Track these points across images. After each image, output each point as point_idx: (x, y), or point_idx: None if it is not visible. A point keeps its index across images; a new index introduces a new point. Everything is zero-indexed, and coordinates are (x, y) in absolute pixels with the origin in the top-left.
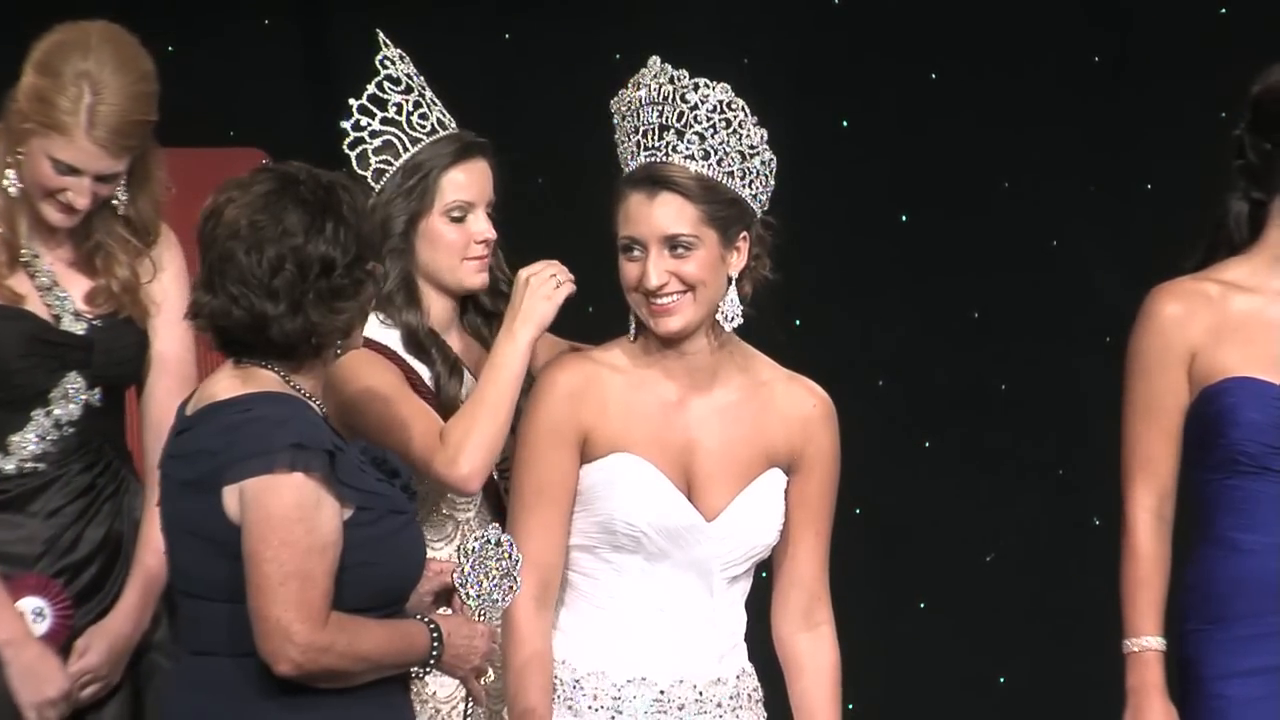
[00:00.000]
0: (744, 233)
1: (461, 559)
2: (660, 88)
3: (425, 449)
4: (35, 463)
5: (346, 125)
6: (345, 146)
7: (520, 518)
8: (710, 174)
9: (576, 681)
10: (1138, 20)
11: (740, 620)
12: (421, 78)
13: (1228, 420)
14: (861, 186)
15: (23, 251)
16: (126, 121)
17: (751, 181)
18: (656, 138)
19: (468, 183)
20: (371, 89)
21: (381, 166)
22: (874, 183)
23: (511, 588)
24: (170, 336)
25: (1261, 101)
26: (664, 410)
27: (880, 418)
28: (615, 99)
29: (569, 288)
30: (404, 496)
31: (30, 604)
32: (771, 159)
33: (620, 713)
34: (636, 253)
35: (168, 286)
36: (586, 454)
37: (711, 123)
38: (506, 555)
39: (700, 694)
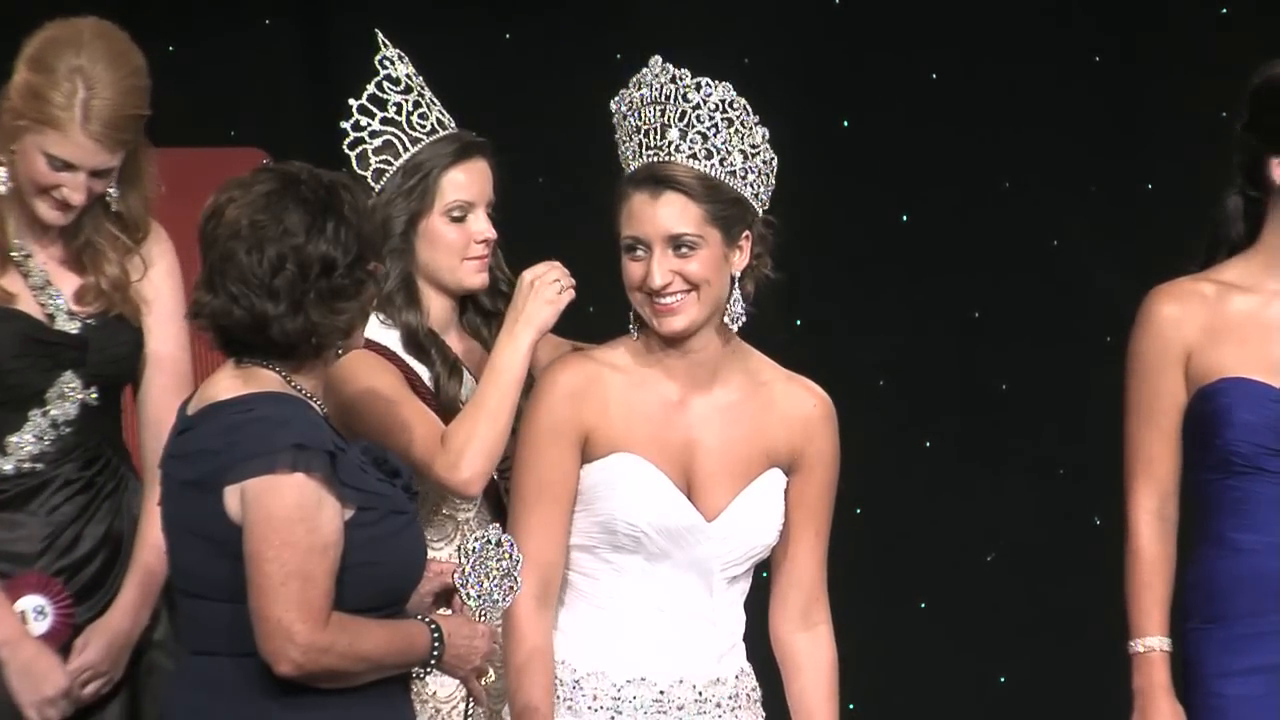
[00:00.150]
0: (746, 232)
1: (462, 559)
2: (662, 87)
3: (426, 452)
4: (33, 463)
5: (346, 125)
6: (345, 146)
7: (521, 516)
8: (713, 173)
9: (576, 682)
10: (1138, 20)
11: (739, 620)
12: (421, 78)
13: (1222, 421)
14: (861, 186)
15: (14, 250)
16: (120, 115)
17: (753, 181)
18: (659, 137)
19: (468, 182)
20: (371, 89)
21: (381, 166)
22: (874, 183)
23: (512, 588)
24: (165, 335)
25: (1255, 98)
26: (665, 410)
27: (880, 418)
28: (616, 98)
29: (571, 293)
30: (405, 497)
31: (31, 602)
32: (773, 158)
33: (620, 713)
34: (640, 252)
35: (159, 283)
36: (587, 453)
37: (714, 122)
38: (507, 555)
39: (700, 694)
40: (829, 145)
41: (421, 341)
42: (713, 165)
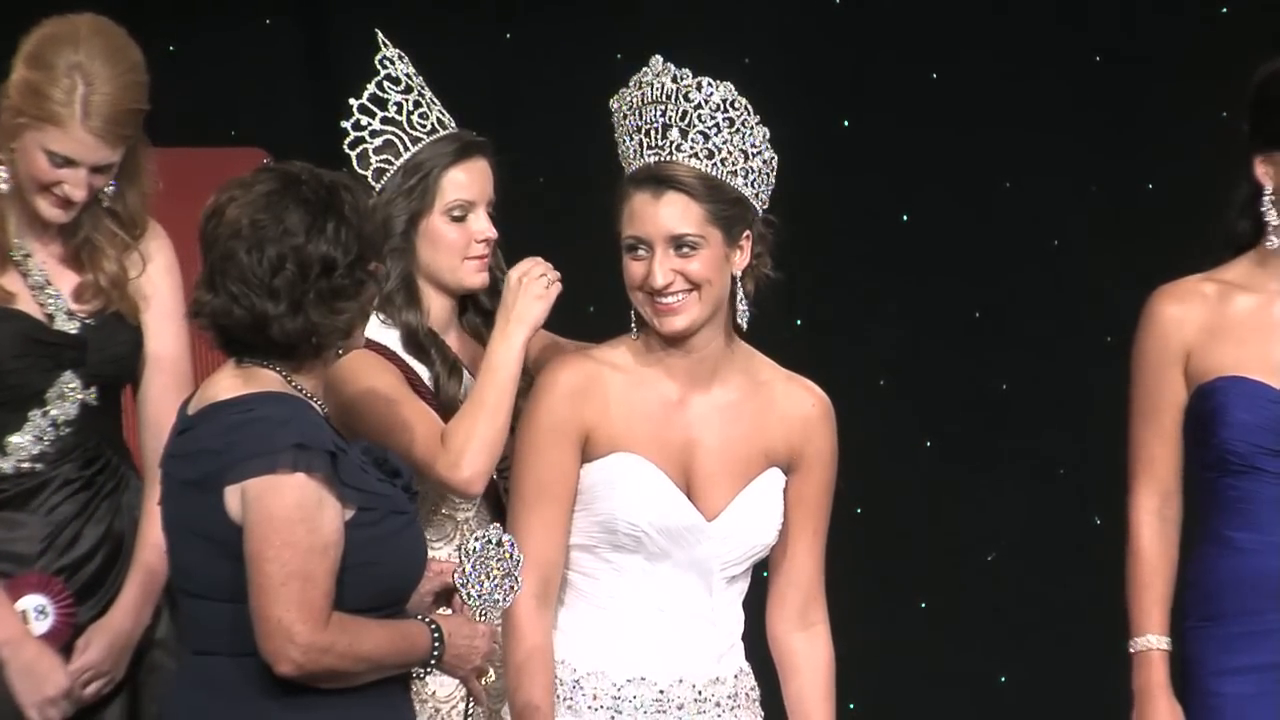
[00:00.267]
0: (747, 231)
1: (463, 559)
2: (663, 86)
3: (428, 452)
4: (33, 463)
5: (347, 125)
6: (346, 146)
7: (521, 515)
8: (714, 173)
9: (576, 681)
10: (1138, 20)
11: (738, 620)
12: (421, 78)
13: (1218, 419)
14: (862, 186)
15: (14, 250)
16: (121, 110)
17: (754, 180)
18: (660, 137)
19: (468, 182)
20: (372, 88)
21: (382, 166)
22: (874, 183)
23: (513, 588)
24: (164, 334)
25: (1248, 98)
26: (665, 409)
27: (880, 418)
28: (616, 97)
29: (558, 286)
30: (405, 497)
31: (32, 602)
32: (773, 158)
33: (620, 712)
34: (642, 252)
35: (157, 280)
36: (587, 453)
37: (715, 121)
38: (508, 555)
39: (699, 693)
40: (829, 145)
41: (421, 341)
42: (714, 165)
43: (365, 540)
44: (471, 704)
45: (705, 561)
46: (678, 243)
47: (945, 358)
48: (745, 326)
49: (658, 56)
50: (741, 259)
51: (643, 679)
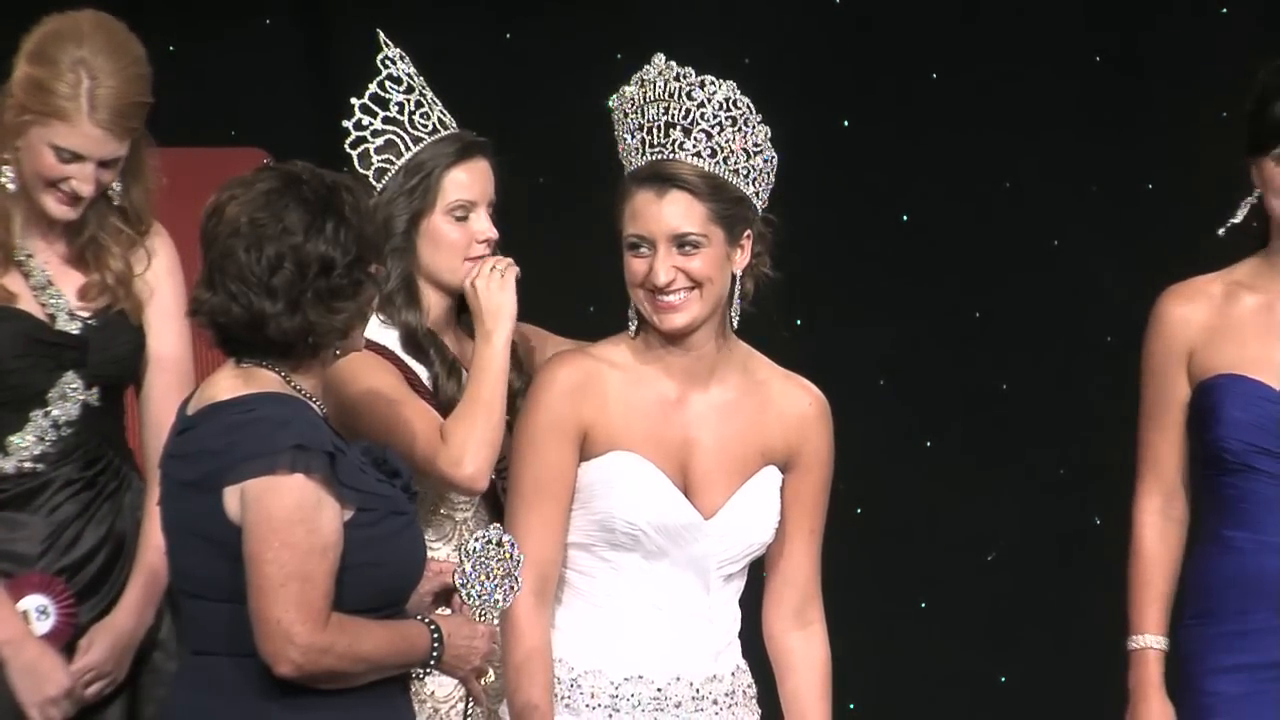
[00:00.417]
0: (747, 230)
1: (462, 559)
2: (665, 85)
3: (430, 451)
4: (34, 463)
5: (348, 124)
6: (347, 146)
7: (519, 514)
8: (717, 172)
9: (574, 680)
10: (1138, 20)
11: (735, 618)
12: (422, 77)
13: (1214, 417)
14: (862, 186)
15: (16, 250)
16: (126, 103)
17: (755, 179)
18: (663, 135)
19: (470, 182)
20: (373, 88)
21: (383, 166)
22: (874, 183)
23: (513, 588)
24: (166, 334)
25: (1251, 100)
26: (663, 408)
27: (880, 418)
28: (616, 96)
29: (514, 270)
30: (404, 497)
31: (33, 602)
32: (773, 157)
33: (618, 710)
34: (644, 250)
35: (159, 281)
36: (585, 451)
37: (717, 120)
38: (508, 555)
39: (697, 691)
40: (829, 145)
41: (420, 341)
42: (717, 164)
43: (364, 541)
44: (471, 704)
45: (702, 560)
46: (680, 241)
47: (945, 358)
48: (735, 325)
49: (660, 55)
50: (742, 258)
51: (640, 677)
